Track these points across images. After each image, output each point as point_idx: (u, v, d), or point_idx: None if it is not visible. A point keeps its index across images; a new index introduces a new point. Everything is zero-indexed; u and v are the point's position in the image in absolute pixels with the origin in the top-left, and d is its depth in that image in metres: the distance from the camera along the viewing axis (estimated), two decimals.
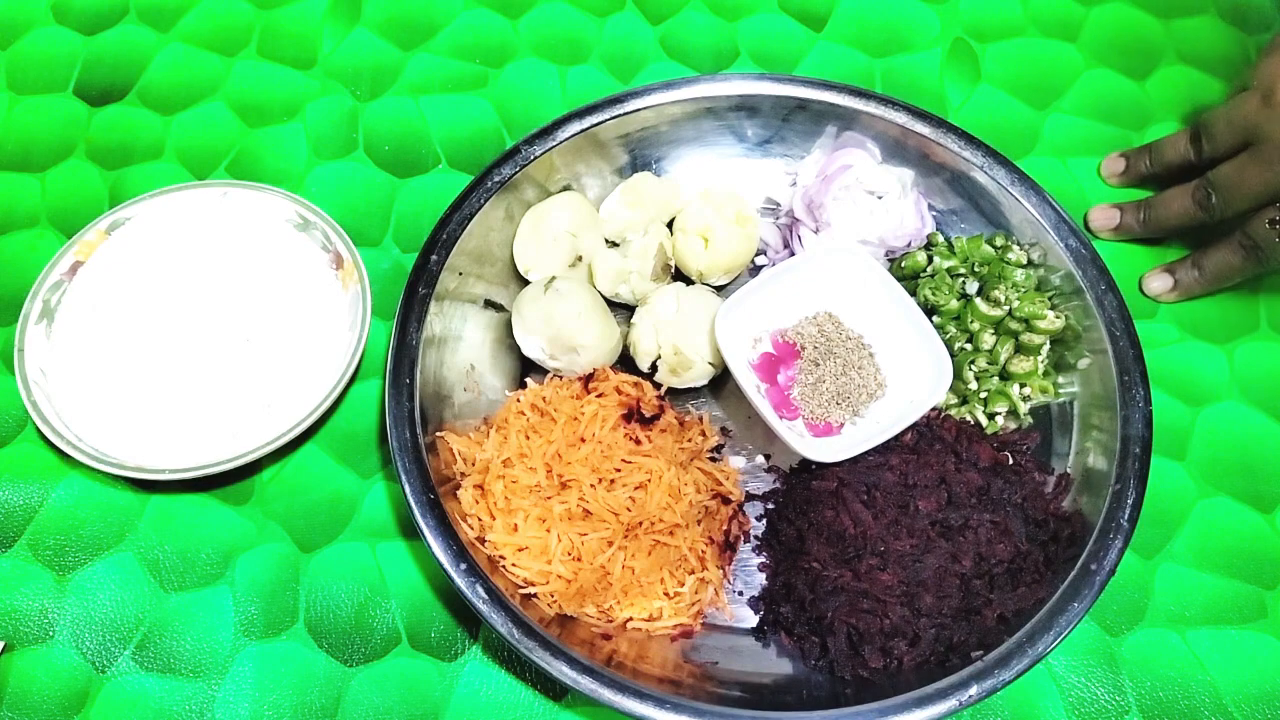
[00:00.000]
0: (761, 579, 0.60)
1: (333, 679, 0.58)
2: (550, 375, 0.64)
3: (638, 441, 0.60)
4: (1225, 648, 0.60)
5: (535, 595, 0.57)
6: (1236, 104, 0.64)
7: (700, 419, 0.64)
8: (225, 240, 0.68)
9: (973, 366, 0.63)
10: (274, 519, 0.62)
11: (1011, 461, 0.61)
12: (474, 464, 0.60)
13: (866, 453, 0.59)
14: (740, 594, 0.60)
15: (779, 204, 0.71)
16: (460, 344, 0.64)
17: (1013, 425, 0.63)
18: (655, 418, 0.61)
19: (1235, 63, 0.80)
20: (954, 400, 0.64)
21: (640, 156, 0.70)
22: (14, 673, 0.58)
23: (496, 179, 0.65)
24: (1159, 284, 0.69)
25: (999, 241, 0.66)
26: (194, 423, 0.63)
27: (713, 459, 0.63)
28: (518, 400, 0.62)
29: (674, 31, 0.81)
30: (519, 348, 0.64)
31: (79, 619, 0.59)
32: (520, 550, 0.57)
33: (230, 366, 0.65)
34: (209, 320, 0.66)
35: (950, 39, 0.81)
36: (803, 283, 0.64)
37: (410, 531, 0.62)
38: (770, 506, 0.62)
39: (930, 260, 0.66)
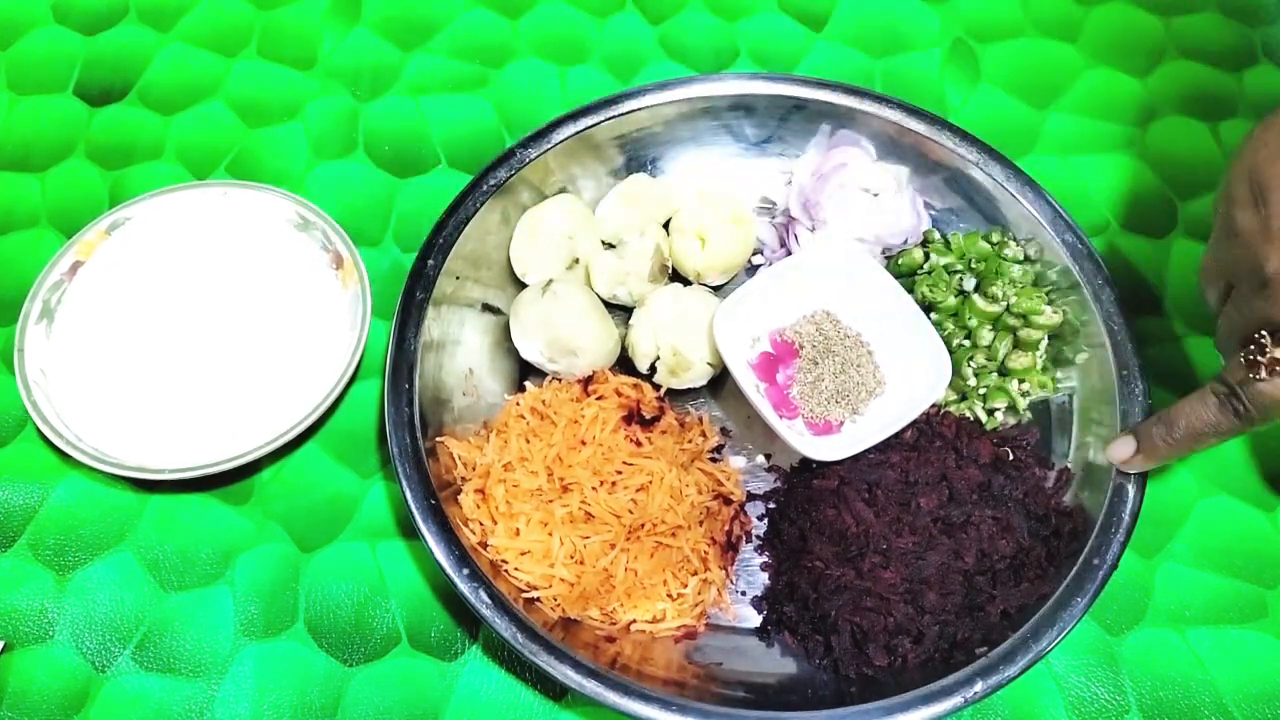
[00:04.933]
0: (764, 579, 0.60)
1: (333, 679, 0.58)
2: (549, 378, 0.64)
3: (638, 443, 0.60)
4: (1225, 647, 0.60)
5: (538, 599, 0.56)
6: (1208, 256, 0.54)
7: (700, 419, 0.64)
8: (225, 240, 0.68)
9: (971, 363, 0.63)
10: (274, 519, 0.62)
11: (1012, 457, 0.61)
12: (474, 468, 0.60)
13: (867, 451, 0.59)
14: (743, 594, 0.60)
15: (775, 203, 0.71)
16: (458, 348, 0.64)
17: (1012, 421, 0.63)
18: (655, 419, 0.61)
19: (1239, 55, 0.80)
20: (953, 397, 0.64)
21: (636, 158, 0.70)
22: (14, 673, 0.58)
23: (492, 182, 0.65)
24: (1122, 450, 0.57)
25: (995, 237, 0.66)
26: (194, 423, 0.63)
27: (713, 459, 0.63)
28: (517, 404, 0.62)
29: (674, 32, 0.81)
30: (517, 351, 0.64)
31: (79, 619, 0.59)
32: (523, 554, 0.57)
33: (230, 366, 0.65)
34: (209, 320, 0.66)
35: (950, 39, 0.81)
36: (800, 282, 0.64)
37: (410, 531, 0.62)
38: (771, 506, 0.62)
39: (927, 257, 0.66)
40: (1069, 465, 0.61)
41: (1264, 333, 0.49)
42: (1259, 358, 0.49)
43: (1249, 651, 0.59)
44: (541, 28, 0.81)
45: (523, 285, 0.67)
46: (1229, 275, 0.52)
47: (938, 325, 0.64)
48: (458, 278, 0.64)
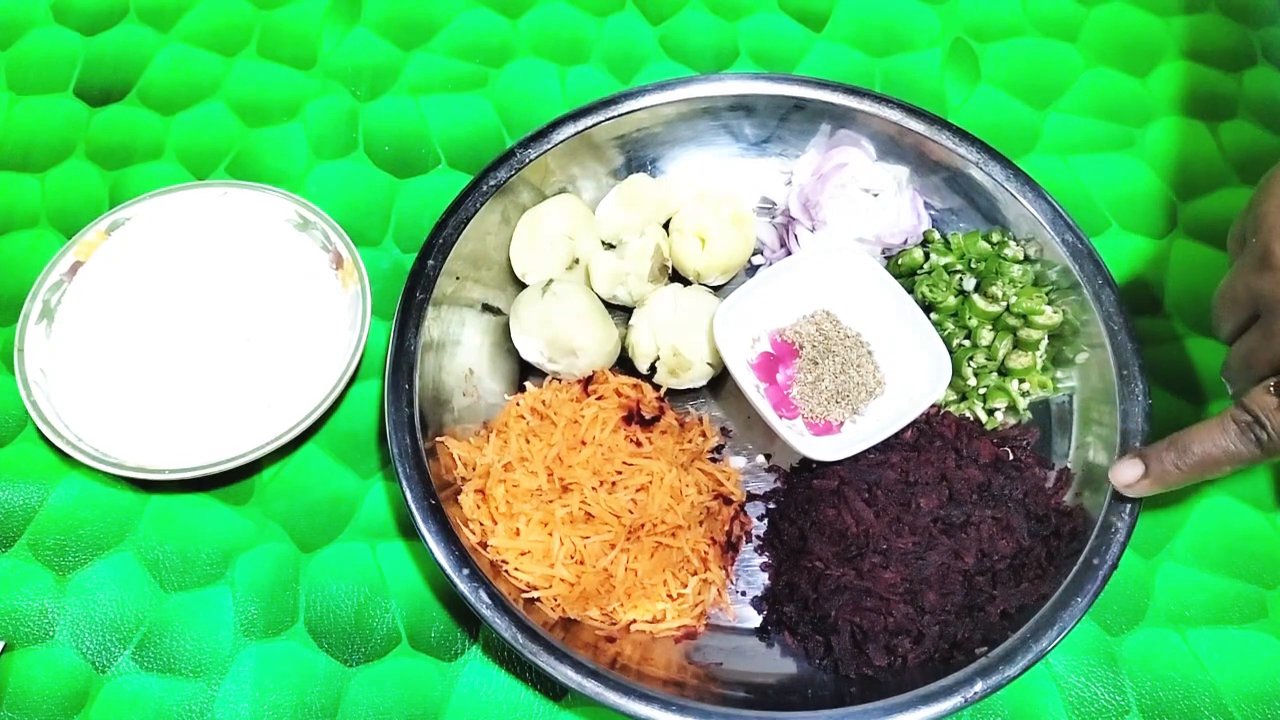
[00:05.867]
0: (764, 579, 0.60)
1: (333, 679, 0.58)
2: (549, 378, 0.64)
3: (638, 443, 0.60)
4: (1225, 648, 0.60)
5: (538, 599, 0.56)
6: (1232, 284, 0.53)
7: (700, 420, 0.64)
8: (225, 240, 0.68)
9: (971, 363, 0.63)
10: (274, 519, 0.62)
11: (1012, 457, 0.61)
12: (474, 469, 0.60)
13: (867, 451, 0.59)
14: (743, 594, 0.60)
15: (775, 203, 0.71)
16: (458, 348, 0.64)
17: (1012, 421, 0.63)
18: (655, 419, 0.61)
19: (1239, 55, 0.80)
20: (953, 397, 0.64)
21: (636, 158, 0.70)
22: (14, 673, 0.58)
23: (492, 183, 0.65)
24: (1128, 473, 0.55)
25: (995, 237, 0.66)
26: (194, 423, 0.63)
27: (713, 459, 0.63)
28: (517, 404, 0.62)
29: (674, 31, 0.81)
30: (517, 351, 0.64)
31: (79, 619, 0.59)
32: (523, 554, 0.57)
33: (230, 366, 0.65)
34: (209, 320, 0.66)
35: (950, 39, 0.81)
36: (800, 282, 0.64)
37: (410, 531, 0.62)
38: (772, 506, 0.62)
39: (927, 257, 0.66)
40: (1069, 465, 0.61)
41: None
42: None
43: (1249, 652, 0.59)
44: (541, 28, 0.81)
45: (523, 285, 0.67)
46: (1257, 305, 0.51)
47: (938, 325, 0.64)
48: (458, 278, 0.64)
